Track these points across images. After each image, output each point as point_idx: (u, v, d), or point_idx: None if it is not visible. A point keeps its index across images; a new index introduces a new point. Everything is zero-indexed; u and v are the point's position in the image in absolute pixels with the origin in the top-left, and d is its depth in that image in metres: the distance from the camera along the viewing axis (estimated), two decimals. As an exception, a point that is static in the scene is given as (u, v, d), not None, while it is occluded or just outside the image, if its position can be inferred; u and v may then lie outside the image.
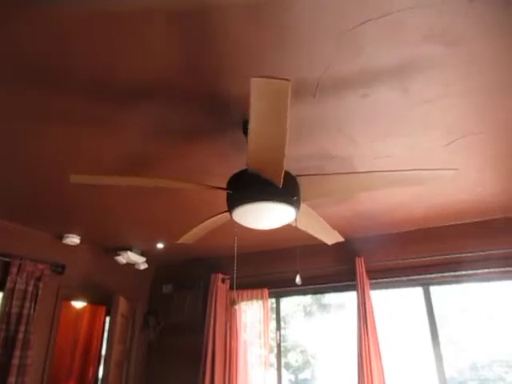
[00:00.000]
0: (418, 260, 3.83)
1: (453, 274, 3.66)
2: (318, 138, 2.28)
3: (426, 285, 3.83)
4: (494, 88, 1.85)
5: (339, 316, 5.04)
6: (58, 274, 4.00)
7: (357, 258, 3.97)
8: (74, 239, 4.04)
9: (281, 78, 1.21)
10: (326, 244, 4.25)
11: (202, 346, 4.35)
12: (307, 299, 5.26)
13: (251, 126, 1.48)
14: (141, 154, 2.47)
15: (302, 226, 2.44)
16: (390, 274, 3.93)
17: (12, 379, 3.30)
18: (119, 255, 4.43)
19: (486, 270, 3.53)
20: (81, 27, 1.49)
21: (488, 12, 1.43)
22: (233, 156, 2.43)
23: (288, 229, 2.37)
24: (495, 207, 3.40)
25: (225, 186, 1.97)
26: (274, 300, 4.57)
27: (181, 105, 1.96)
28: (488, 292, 3.83)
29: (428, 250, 3.81)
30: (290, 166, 1.97)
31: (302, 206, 2.06)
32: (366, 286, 3.85)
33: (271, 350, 4.36)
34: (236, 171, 1.94)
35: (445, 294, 3.90)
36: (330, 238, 2.70)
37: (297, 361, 5.25)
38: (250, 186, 1.84)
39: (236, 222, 2.04)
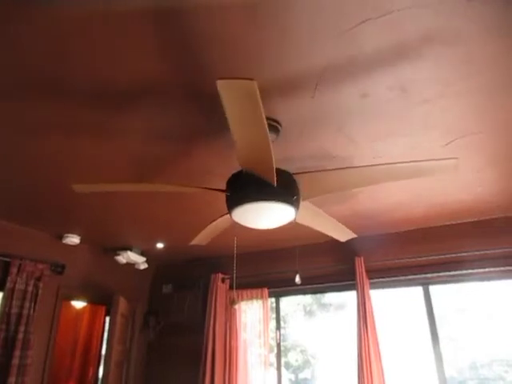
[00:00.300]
0: (417, 259, 3.84)
1: (452, 273, 3.67)
2: (318, 138, 2.28)
3: (425, 284, 3.83)
4: (494, 88, 1.86)
5: (339, 315, 5.04)
6: (57, 273, 4.00)
7: (356, 258, 3.97)
8: (73, 239, 4.04)
9: (246, 78, 1.22)
10: (325, 244, 4.29)
11: (202, 345, 4.36)
12: (307, 299, 5.27)
13: (232, 128, 1.50)
14: (141, 155, 2.47)
15: (312, 225, 2.44)
16: (389, 274, 3.94)
17: (12, 379, 3.30)
18: (119, 255, 4.43)
19: (486, 270, 3.54)
20: (80, 28, 1.49)
21: (487, 12, 1.43)
22: (233, 156, 2.42)
23: (288, 228, 2.37)
24: (495, 207, 3.41)
25: (225, 186, 1.98)
26: (273, 299, 4.57)
27: (180, 106, 1.96)
28: (488, 291, 3.84)
29: (428, 250, 3.82)
30: (290, 166, 1.98)
31: (309, 204, 2.06)
32: (366, 286, 3.85)
33: (271, 350, 4.37)
34: (234, 171, 1.94)
35: (444, 294, 3.91)
36: (342, 234, 2.69)
37: (297, 360, 5.25)
38: (247, 185, 1.85)
39: (236, 222, 2.05)
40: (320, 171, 1.82)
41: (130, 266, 4.70)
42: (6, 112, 2.03)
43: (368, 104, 1.95)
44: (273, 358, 4.36)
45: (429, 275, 3.78)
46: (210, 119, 2.07)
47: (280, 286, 4.39)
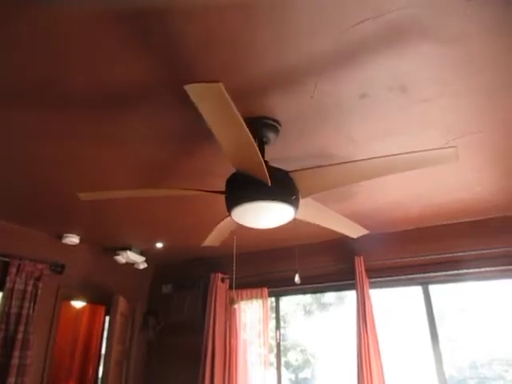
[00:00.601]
0: (417, 259, 3.84)
1: (452, 272, 3.67)
2: (318, 138, 2.28)
3: (425, 284, 3.83)
4: (493, 88, 1.86)
5: (339, 315, 5.04)
6: (57, 273, 4.00)
7: (356, 257, 3.97)
8: (73, 239, 4.04)
9: (212, 81, 1.24)
10: (325, 243, 4.29)
11: (202, 345, 4.36)
12: (307, 298, 5.27)
13: (213, 131, 1.52)
14: (141, 156, 2.47)
15: (321, 223, 2.44)
16: (389, 273, 3.94)
17: (12, 379, 3.30)
18: (118, 255, 4.43)
19: (486, 269, 3.54)
20: (80, 28, 1.49)
21: (486, 12, 1.43)
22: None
23: (287, 228, 2.37)
24: (494, 206, 3.41)
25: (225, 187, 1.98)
26: (273, 299, 4.58)
27: (180, 107, 1.96)
28: (487, 290, 3.84)
29: (427, 249, 3.82)
30: (289, 165, 1.98)
31: (315, 203, 2.05)
32: (366, 285, 3.85)
33: (271, 350, 4.37)
34: (233, 171, 1.94)
35: (444, 293, 3.91)
36: (354, 231, 2.68)
37: (297, 360, 5.25)
38: (243, 185, 1.85)
39: (235, 222, 2.05)
40: (316, 167, 1.79)
41: (130, 265, 4.70)
42: (6, 113, 2.02)
43: (367, 103, 1.96)
44: (273, 358, 4.36)
45: (428, 274, 3.78)
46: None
47: (280, 286, 4.39)
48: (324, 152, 2.43)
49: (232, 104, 1.34)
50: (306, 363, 5.25)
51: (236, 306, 4.44)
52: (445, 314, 3.91)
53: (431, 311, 3.73)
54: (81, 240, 4.12)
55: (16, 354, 3.37)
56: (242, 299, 4.50)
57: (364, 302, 3.78)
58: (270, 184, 1.77)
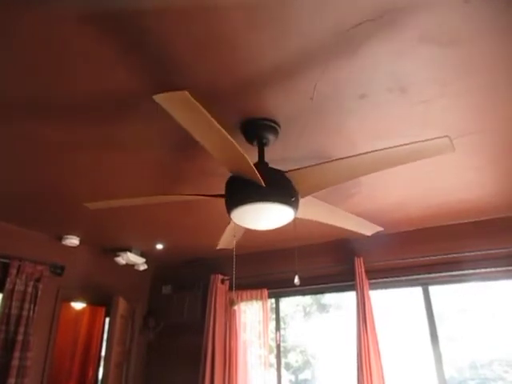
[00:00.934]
0: (417, 260, 3.83)
1: (452, 273, 3.66)
2: (317, 139, 2.28)
3: (425, 284, 3.83)
4: (493, 88, 1.86)
5: (339, 316, 5.04)
6: (57, 275, 4.00)
7: (356, 258, 3.97)
8: (73, 240, 4.04)
9: (178, 90, 1.27)
10: (325, 244, 4.29)
11: (202, 346, 4.35)
12: (307, 299, 5.26)
13: (195, 137, 1.53)
14: (141, 158, 2.47)
15: (330, 222, 2.44)
16: (389, 274, 3.94)
17: (12, 381, 3.29)
18: (119, 256, 4.42)
19: (487, 270, 3.53)
20: (80, 29, 1.49)
21: (485, 12, 1.43)
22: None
23: (287, 229, 2.37)
24: (495, 206, 3.41)
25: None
26: (273, 300, 4.57)
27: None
28: (487, 291, 3.84)
29: (427, 250, 3.82)
30: (289, 166, 1.97)
31: (320, 202, 2.04)
32: (366, 286, 3.85)
33: (271, 351, 4.36)
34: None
35: (444, 294, 3.91)
36: (366, 228, 2.65)
37: (297, 361, 5.24)
38: (240, 187, 1.85)
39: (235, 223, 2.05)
40: (312, 166, 1.78)
41: (130, 267, 4.70)
42: (6, 115, 2.03)
43: (367, 104, 1.96)
44: (273, 359, 4.35)
45: (428, 275, 3.77)
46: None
47: (280, 287, 4.38)
48: (324, 153, 2.43)
49: (203, 110, 1.35)
50: (306, 364, 5.24)
51: (236, 307, 4.43)
52: (445, 314, 3.91)
53: (431, 312, 3.73)
54: (81, 241, 4.12)
55: (16, 355, 3.37)
56: (241, 300, 4.50)
57: (364, 303, 3.77)
58: (264, 185, 1.76)
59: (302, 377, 5.27)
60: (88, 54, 1.62)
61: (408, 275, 3.85)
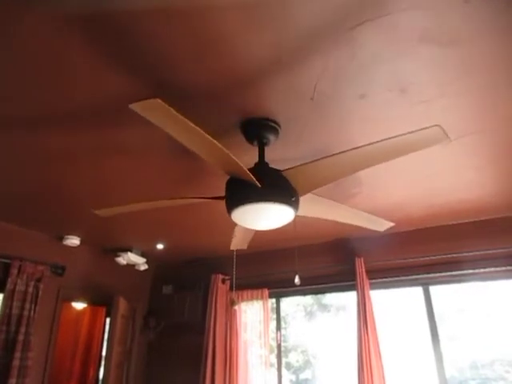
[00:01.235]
0: (417, 260, 3.83)
1: (452, 273, 3.66)
2: (318, 139, 2.28)
3: (425, 284, 3.83)
4: (493, 88, 1.86)
5: (339, 316, 5.04)
6: (58, 275, 4.00)
7: (356, 258, 3.97)
8: (74, 240, 4.04)
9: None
10: (325, 244, 4.29)
11: (203, 346, 4.36)
12: (307, 299, 5.26)
13: (183, 143, 1.55)
14: (142, 159, 2.48)
15: (338, 219, 2.44)
16: (389, 274, 3.94)
17: (12, 381, 3.30)
18: (119, 256, 4.43)
19: (486, 270, 3.53)
20: (80, 30, 1.49)
21: (485, 12, 1.43)
22: (235, 157, 2.43)
23: (288, 229, 2.37)
24: (495, 206, 3.41)
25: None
26: (274, 300, 4.57)
27: (180, 107, 1.96)
28: (488, 291, 3.83)
29: (428, 250, 3.81)
30: (289, 167, 1.97)
31: (326, 200, 2.05)
32: (366, 286, 3.85)
33: (272, 350, 4.36)
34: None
35: (445, 294, 3.90)
36: (376, 224, 2.61)
37: (298, 361, 5.24)
38: (238, 188, 1.85)
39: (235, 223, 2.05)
40: (307, 163, 1.77)
41: (130, 267, 4.70)
42: (6, 117, 2.03)
43: (367, 104, 1.96)
44: (273, 359, 4.35)
45: (429, 275, 3.77)
46: (208, 120, 2.07)
47: (280, 287, 4.39)
48: (324, 152, 2.41)
49: (180, 116, 1.36)
50: (307, 364, 5.24)
51: (236, 307, 4.44)
52: (446, 314, 3.91)
53: (432, 312, 3.73)
54: (81, 241, 4.12)
55: (17, 355, 3.37)
56: (242, 300, 4.50)
57: (364, 303, 3.77)
58: (259, 185, 1.75)
59: (302, 376, 5.27)
60: (88, 57, 1.62)
61: (408, 275, 3.85)
